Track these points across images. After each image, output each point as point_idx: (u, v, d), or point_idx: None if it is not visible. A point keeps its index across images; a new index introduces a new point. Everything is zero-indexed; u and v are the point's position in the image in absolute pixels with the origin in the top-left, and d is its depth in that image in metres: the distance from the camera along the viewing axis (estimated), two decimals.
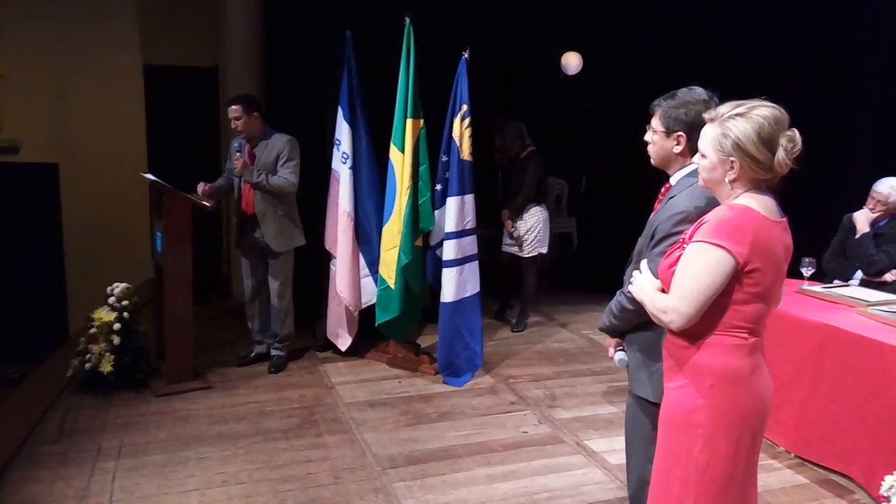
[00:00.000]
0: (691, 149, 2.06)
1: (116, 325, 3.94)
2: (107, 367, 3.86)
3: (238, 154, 4.16)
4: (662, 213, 2.06)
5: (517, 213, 5.18)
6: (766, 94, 1.79)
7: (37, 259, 5.44)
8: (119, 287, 4.09)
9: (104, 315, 3.97)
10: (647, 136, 2.17)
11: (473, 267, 4.32)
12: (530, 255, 5.25)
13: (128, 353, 3.96)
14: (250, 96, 4.25)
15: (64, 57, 5.48)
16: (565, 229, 7.93)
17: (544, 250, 5.32)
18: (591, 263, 6.65)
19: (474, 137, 4.27)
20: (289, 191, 4.14)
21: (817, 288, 3.73)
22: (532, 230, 5.21)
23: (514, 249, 5.27)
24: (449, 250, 4.24)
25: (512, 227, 5.20)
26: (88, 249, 5.43)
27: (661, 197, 2.18)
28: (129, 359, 3.96)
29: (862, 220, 3.98)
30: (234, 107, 4.11)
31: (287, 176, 4.12)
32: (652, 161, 2.19)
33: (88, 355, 3.91)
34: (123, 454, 3.27)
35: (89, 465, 3.15)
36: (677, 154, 2.11)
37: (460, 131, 4.20)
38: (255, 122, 4.15)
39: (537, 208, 5.24)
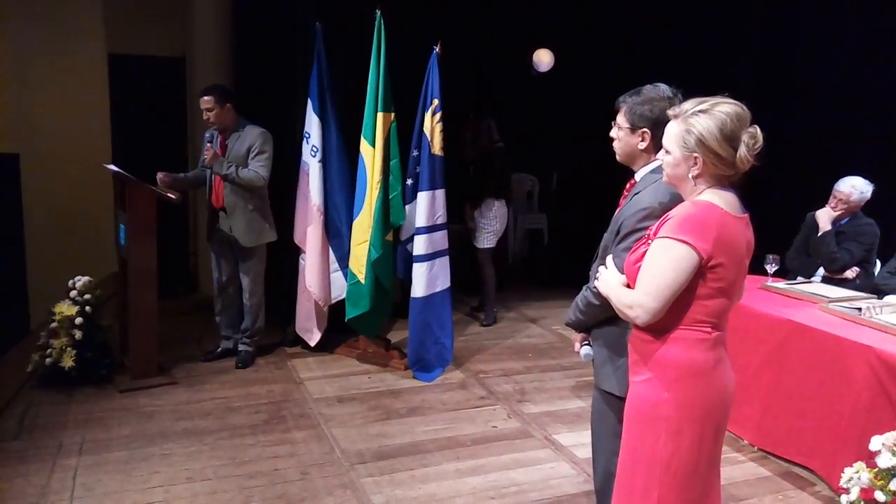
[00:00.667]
0: (656, 145, 2.07)
1: (78, 320, 3.86)
2: (68, 363, 3.78)
3: (209, 145, 4.10)
4: (627, 209, 2.08)
5: (475, 205, 5.36)
6: (732, 91, 1.81)
7: None
8: (81, 280, 4.01)
9: (65, 309, 3.88)
10: (613, 133, 2.18)
11: (444, 262, 4.32)
12: (481, 246, 5.40)
13: (90, 348, 3.89)
14: (223, 87, 4.19)
15: (26, 45, 5.33)
16: (536, 225, 7.98)
17: (492, 244, 5.45)
18: (561, 259, 6.69)
19: (446, 133, 4.27)
20: (258, 184, 4.08)
21: (781, 284, 3.80)
22: (488, 223, 5.36)
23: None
24: (419, 245, 4.23)
25: (468, 217, 5.42)
26: (50, 241, 5.30)
27: (625, 193, 2.20)
28: (91, 354, 3.89)
29: (824, 218, 4.05)
30: (206, 97, 4.03)
31: (257, 169, 4.06)
32: (617, 157, 2.20)
33: (49, 350, 3.83)
34: (85, 451, 3.21)
35: (50, 462, 3.09)
36: (642, 150, 2.12)
37: (431, 126, 4.19)
38: (227, 114, 4.08)
39: (497, 203, 5.36)
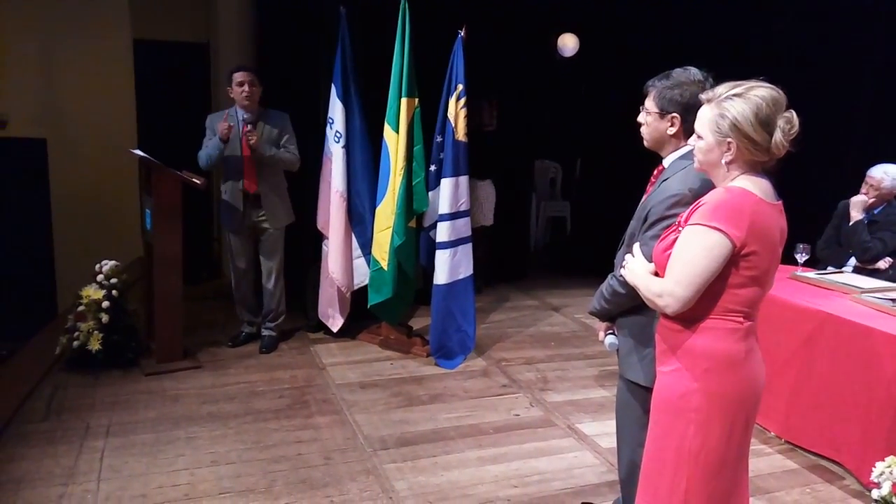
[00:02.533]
0: (685, 130, 2.02)
1: (105, 303, 3.90)
2: (95, 346, 3.82)
3: (251, 127, 4.03)
4: (655, 196, 2.03)
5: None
6: (763, 76, 1.76)
7: (25, 235, 5.37)
8: (108, 265, 4.05)
9: (92, 293, 3.93)
10: (641, 118, 2.13)
11: (467, 249, 4.29)
12: (485, 224, 5.57)
13: (116, 332, 3.93)
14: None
15: (53, 31, 5.37)
16: (559, 213, 7.92)
17: (489, 223, 5.71)
18: (584, 247, 6.63)
19: (469, 117, 4.23)
20: (296, 166, 4.22)
21: (811, 274, 3.72)
22: (486, 203, 5.58)
23: None
24: (442, 232, 4.21)
25: None
26: (77, 226, 5.36)
27: (653, 180, 2.15)
28: (117, 337, 3.93)
29: (857, 206, 3.96)
30: (248, 73, 4.04)
31: (294, 151, 4.19)
32: (645, 143, 2.15)
33: (77, 333, 3.87)
34: (112, 433, 3.25)
35: (77, 444, 3.13)
36: (671, 136, 2.07)
37: (456, 111, 4.15)
38: (258, 95, 4.12)
39: (482, 183, 5.59)
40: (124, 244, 4.93)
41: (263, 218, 4.18)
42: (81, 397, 3.61)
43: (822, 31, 5.03)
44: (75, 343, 3.86)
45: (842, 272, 3.88)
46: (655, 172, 2.15)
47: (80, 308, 3.91)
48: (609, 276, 2.19)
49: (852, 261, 4.06)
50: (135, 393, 3.69)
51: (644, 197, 2.14)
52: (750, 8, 5.34)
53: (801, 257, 3.72)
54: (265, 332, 4.42)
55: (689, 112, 1.98)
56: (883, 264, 3.92)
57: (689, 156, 2.00)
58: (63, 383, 3.76)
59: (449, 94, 4.17)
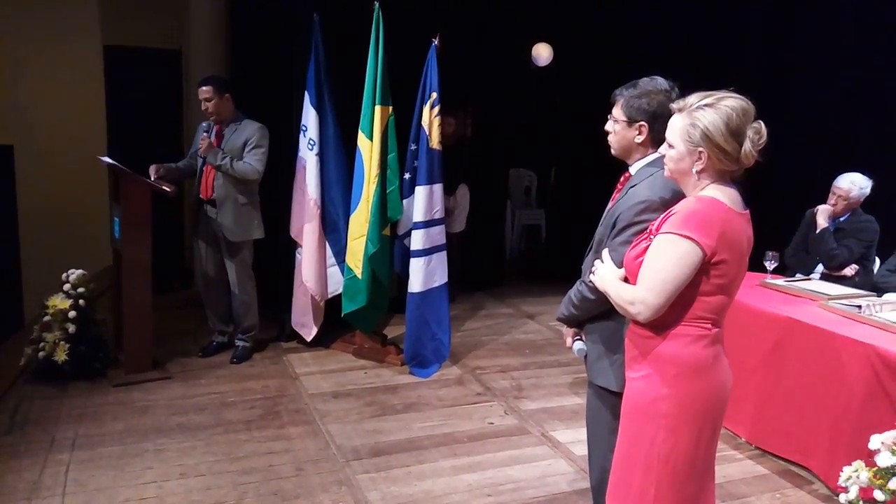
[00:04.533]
0: (653, 139, 2.05)
1: (72, 313, 3.82)
2: (62, 356, 3.75)
3: (205, 135, 4.07)
4: (623, 203, 2.04)
5: (450, 192, 5.43)
6: (735, 86, 1.79)
7: None
8: (75, 274, 3.97)
9: (59, 302, 3.85)
10: (608, 126, 2.15)
11: (441, 257, 4.29)
12: (457, 230, 5.56)
13: (84, 342, 3.85)
14: (221, 78, 4.17)
15: (21, 36, 5.27)
16: (534, 221, 7.95)
17: (462, 228, 5.73)
18: (559, 255, 6.66)
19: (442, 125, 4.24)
20: (252, 178, 4.04)
21: (780, 281, 3.78)
22: (463, 208, 5.62)
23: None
24: (417, 240, 4.20)
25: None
26: (45, 234, 5.25)
27: (619, 186, 2.17)
28: (84, 348, 3.85)
29: (823, 215, 4.03)
30: (204, 87, 4.00)
31: (253, 162, 4.02)
32: (612, 151, 2.17)
33: (42, 343, 3.79)
34: (78, 446, 3.18)
35: (42, 457, 3.06)
36: (638, 144, 2.09)
37: (430, 119, 4.15)
38: (226, 104, 4.06)
39: (464, 188, 5.62)
40: (93, 253, 4.84)
41: (220, 225, 4.12)
42: (47, 409, 3.53)
43: (791, 42, 5.14)
44: (41, 354, 3.78)
45: (810, 279, 3.95)
46: (622, 179, 2.17)
47: (47, 318, 3.83)
48: (578, 282, 2.19)
49: (820, 268, 4.13)
50: (102, 405, 3.62)
51: (610, 204, 2.15)
52: (721, 19, 5.44)
53: (771, 264, 3.77)
54: (238, 343, 4.36)
55: (656, 120, 2.01)
56: (849, 271, 4.00)
57: (656, 163, 2.02)
58: (28, 395, 3.67)
59: (423, 103, 4.17)
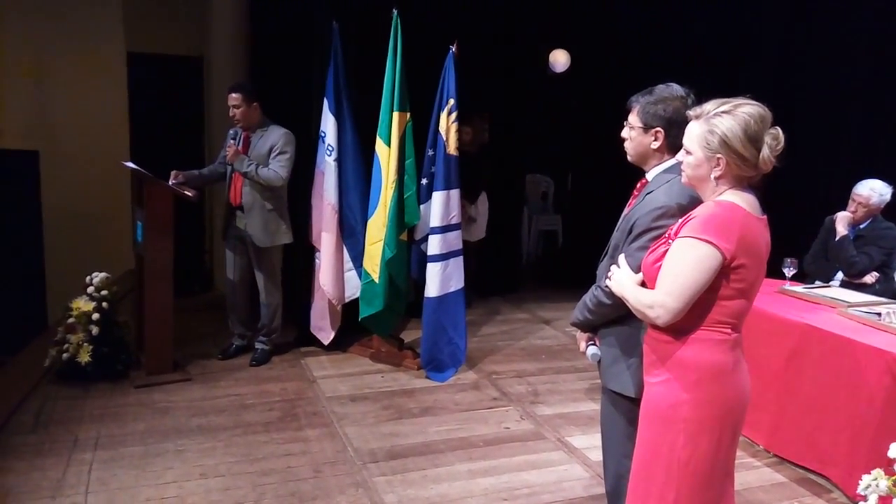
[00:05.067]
0: (669, 145, 2.06)
1: (95, 315, 3.89)
2: (85, 358, 3.81)
3: (231, 142, 4.13)
4: (641, 209, 2.05)
5: (472, 200, 5.53)
6: (751, 92, 1.80)
7: (15, 247, 5.34)
8: (98, 277, 4.04)
9: (82, 305, 3.92)
10: (625, 133, 2.16)
11: (458, 262, 4.31)
12: (477, 238, 5.61)
13: (106, 344, 3.92)
14: (251, 86, 4.21)
15: (46, 43, 5.38)
16: (551, 226, 7.95)
17: (482, 236, 5.77)
18: (576, 261, 6.64)
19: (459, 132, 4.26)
20: (277, 184, 4.08)
21: (799, 288, 3.76)
22: (483, 216, 5.67)
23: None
24: (434, 245, 4.23)
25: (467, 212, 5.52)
26: (69, 238, 5.34)
27: (636, 192, 2.18)
28: (107, 349, 3.92)
29: (842, 222, 4.01)
30: (234, 94, 4.07)
31: (277, 169, 4.07)
32: (629, 157, 2.18)
33: (66, 345, 3.86)
34: (100, 445, 3.23)
35: (65, 457, 3.11)
36: (655, 150, 2.10)
37: (447, 125, 4.18)
38: (253, 112, 4.12)
39: (483, 196, 5.67)
40: (116, 256, 4.92)
41: (247, 231, 4.18)
42: (70, 409, 3.59)
43: (809, 48, 5.11)
44: (65, 355, 3.85)
45: (829, 286, 3.92)
46: (638, 185, 2.18)
47: (71, 320, 3.90)
48: (593, 287, 2.19)
49: (839, 275, 4.09)
50: (124, 405, 3.68)
51: (627, 209, 2.16)
52: (739, 24, 5.42)
53: (789, 271, 3.76)
54: (258, 346, 4.41)
55: (672, 126, 2.02)
56: (870, 279, 3.96)
57: (672, 169, 2.03)
58: (52, 395, 3.74)
59: (440, 109, 4.21)
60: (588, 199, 6.79)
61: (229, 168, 4.15)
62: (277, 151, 4.09)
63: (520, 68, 6.07)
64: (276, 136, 4.12)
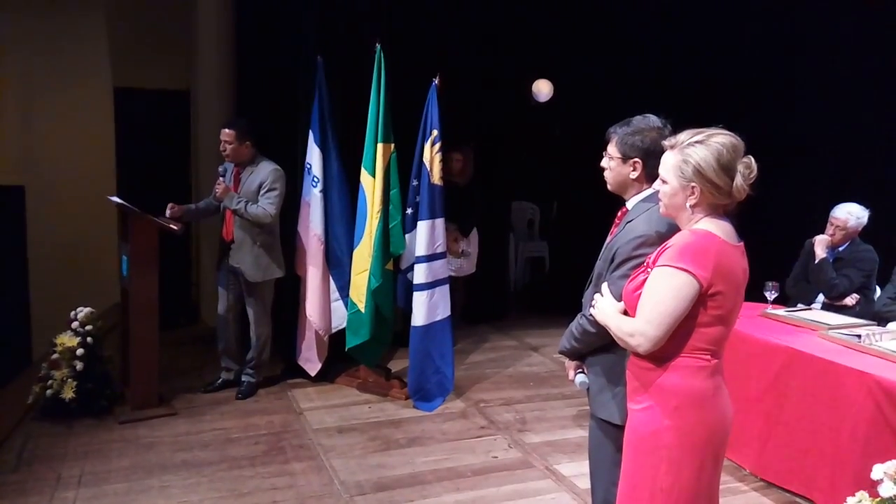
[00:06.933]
0: (647, 174, 2.11)
1: (79, 351, 3.86)
2: (69, 394, 3.77)
3: (221, 179, 4.15)
4: (621, 237, 2.09)
5: (465, 233, 5.58)
6: (727, 121, 1.85)
7: (0, 282, 5.32)
8: (83, 311, 4.02)
9: (67, 340, 3.88)
10: (604, 163, 2.21)
11: (444, 290, 4.33)
12: (468, 273, 5.63)
13: (91, 380, 3.88)
14: (247, 123, 4.22)
15: (32, 78, 5.42)
16: (537, 253, 7.99)
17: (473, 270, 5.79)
18: (562, 287, 6.66)
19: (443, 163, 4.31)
20: (265, 221, 4.08)
21: (781, 311, 3.80)
22: (474, 250, 5.69)
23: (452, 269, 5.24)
24: (420, 274, 4.25)
25: (456, 246, 5.54)
26: (54, 273, 5.32)
27: (617, 221, 2.22)
28: (91, 385, 3.88)
29: (820, 245, 4.06)
30: (228, 130, 4.10)
31: (266, 206, 4.08)
32: (609, 186, 2.23)
33: (50, 381, 3.82)
34: (84, 483, 3.19)
35: (48, 495, 3.07)
36: (633, 179, 2.15)
37: (431, 156, 4.23)
38: (244, 150, 4.15)
39: (475, 231, 5.68)
40: (102, 290, 4.90)
41: (238, 266, 4.18)
42: (53, 447, 3.54)
43: (791, 74, 5.23)
44: (48, 392, 3.80)
45: (810, 309, 3.96)
46: (619, 214, 2.22)
47: (55, 356, 3.86)
48: (578, 316, 2.23)
49: (821, 297, 4.14)
50: (108, 441, 3.64)
51: (609, 238, 2.20)
52: (715, 55, 5.54)
53: (771, 295, 3.80)
54: (245, 378, 4.38)
55: (649, 157, 2.07)
56: (850, 301, 4.01)
57: (651, 198, 2.07)
58: (35, 433, 3.69)
59: (424, 140, 4.26)
60: (574, 225, 6.84)
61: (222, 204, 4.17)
62: (266, 188, 4.11)
63: (504, 98, 6.16)
64: (265, 173, 4.14)
